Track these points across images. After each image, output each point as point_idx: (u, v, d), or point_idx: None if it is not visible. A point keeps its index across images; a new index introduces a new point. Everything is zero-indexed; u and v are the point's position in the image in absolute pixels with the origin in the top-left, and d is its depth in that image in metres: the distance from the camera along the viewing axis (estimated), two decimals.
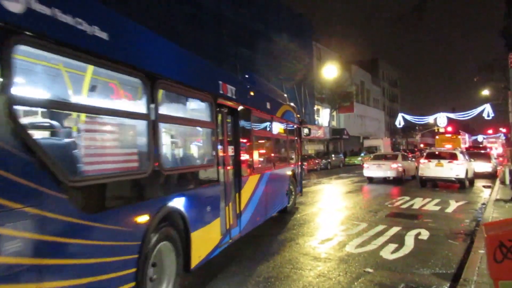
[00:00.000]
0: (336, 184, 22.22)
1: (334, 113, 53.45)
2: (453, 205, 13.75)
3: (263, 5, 37.28)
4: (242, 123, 8.03)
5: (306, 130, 14.21)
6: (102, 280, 3.85)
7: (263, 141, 10.12)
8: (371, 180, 22.94)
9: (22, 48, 3.26)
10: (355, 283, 6.15)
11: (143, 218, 4.49)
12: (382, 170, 22.06)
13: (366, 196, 16.69)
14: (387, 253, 7.74)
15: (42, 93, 4.41)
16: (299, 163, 13.58)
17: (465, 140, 48.77)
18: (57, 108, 3.99)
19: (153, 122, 4.74)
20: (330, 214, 12.15)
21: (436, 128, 69.25)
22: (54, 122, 4.65)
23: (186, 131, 6.59)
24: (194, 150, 6.92)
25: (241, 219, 7.76)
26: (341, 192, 18.04)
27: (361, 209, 13.19)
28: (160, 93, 5.03)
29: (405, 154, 26.15)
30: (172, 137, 6.22)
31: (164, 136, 5.62)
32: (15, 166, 3.07)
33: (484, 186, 19.93)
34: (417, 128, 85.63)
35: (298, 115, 13.91)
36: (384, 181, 22.68)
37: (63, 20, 3.49)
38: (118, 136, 4.40)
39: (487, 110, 52.55)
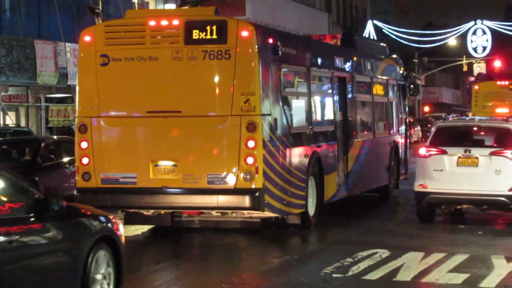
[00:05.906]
0: None
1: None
2: (499, 271, 8.13)
3: None
4: (344, 91, 11.88)
5: (412, 87, 15.45)
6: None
7: (363, 108, 12.98)
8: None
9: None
10: None
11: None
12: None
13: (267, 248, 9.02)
14: None
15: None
16: (403, 134, 14.88)
17: None
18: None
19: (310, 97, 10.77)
20: None
21: (464, 61, 38.98)
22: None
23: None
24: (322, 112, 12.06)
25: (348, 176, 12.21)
26: None
27: None
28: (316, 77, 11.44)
29: None
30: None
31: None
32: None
33: None
34: (415, 60, 48.65)
35: (402, 68, 15.39)
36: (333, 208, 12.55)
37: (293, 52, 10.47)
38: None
39: None
